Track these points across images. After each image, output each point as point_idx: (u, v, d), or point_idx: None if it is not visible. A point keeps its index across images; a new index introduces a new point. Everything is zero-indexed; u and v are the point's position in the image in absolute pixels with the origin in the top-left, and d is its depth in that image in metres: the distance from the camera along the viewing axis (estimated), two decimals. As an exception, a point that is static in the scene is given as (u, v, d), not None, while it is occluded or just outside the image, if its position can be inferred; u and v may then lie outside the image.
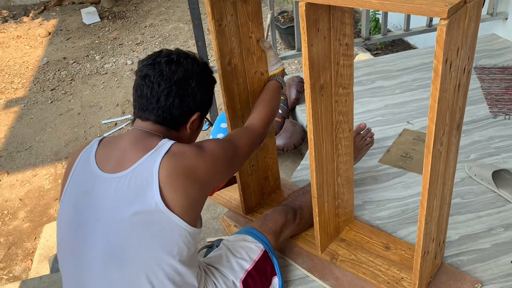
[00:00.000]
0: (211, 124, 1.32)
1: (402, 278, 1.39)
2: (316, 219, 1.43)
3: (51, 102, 4.32)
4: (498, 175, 1.75)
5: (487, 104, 2.26)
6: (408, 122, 2.20)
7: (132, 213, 1.05)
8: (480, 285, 1.37)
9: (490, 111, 2.21)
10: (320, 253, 1.51)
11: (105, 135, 3.69)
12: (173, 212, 1.06)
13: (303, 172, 1.96)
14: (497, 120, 2.15)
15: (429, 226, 1.18)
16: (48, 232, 2.87)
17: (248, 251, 1.36)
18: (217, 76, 1.38)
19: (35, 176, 3.41)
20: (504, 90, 2.36)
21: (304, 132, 2.36)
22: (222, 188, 1.75)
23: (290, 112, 2.52)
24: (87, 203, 1.11)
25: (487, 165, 1.81)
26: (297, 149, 2.35)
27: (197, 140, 1.31)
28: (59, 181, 3.32)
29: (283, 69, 1.55)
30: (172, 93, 1.16)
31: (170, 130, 1.21)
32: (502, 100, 2.28)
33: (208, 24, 1.36)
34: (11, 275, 2.65)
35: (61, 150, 3.65)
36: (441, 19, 0.87)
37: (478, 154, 1.94)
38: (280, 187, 1.83)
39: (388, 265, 1.44)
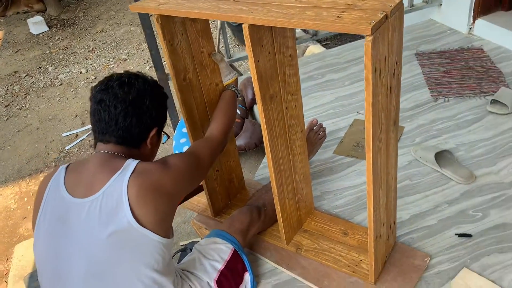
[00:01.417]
0: (168, 137, 1.41)
1: (361, 260, 1.54)
2: (279, 216, 1.55)
3: (7, 119, 4.25)
4: (440, 156, 1.92)
5: (428, 88, 2.44)
6: (358, 112, 2.35)
7: (108, 234, 1.13)
8: (429, 259, 1.53)
9: (431, 95, 2.39)
10: (286, 246, 1.64)
11: (67, 147, 3.68)
12: (145, 227, 1.15)
13: (265, 170, 2.08)
14: (438, 103, 2.33)
15: (377, 213, 1.32)
16: (19, 252, 2.88)
17: (219, 252, 1.46)
18: (173, 91, 1.47)
19: (-1, 196, 3.39)
20: (443, 74, 2.55)
21: (261, 139, 2.47)
22: (189, 198, 1.84)
23: (249, 111, 2.62)
24: (63, 229, 1.18)
25: (430, 147, 1.98)
26: (258, 147, 2.47)
27: (159, 153, 1.39)
28: (25, 199, 3.31)
29: (236, 79, 1.65)
30: (129, 114, 1.24)
31: (132, 148, 1.29)
32: (441, 83, 2.47)
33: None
34: (-14, 299, 2.65)
35: (23, 168, 3.62)
36: (366, 35, 1.00)
37: (422, 137, 2.12)
38: (245, 187, 1.94)
39: (347, 250, 1.58)
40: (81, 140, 3.79)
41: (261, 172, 2.07)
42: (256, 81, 1.25)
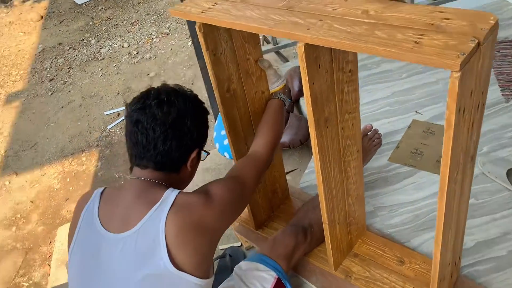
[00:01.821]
0: (208, 154, 1.28)
1: (418, 295, 1.38)
2: (328, 242, 1.41)
3: (51, 94, 4.26)
4: (512, 172, 1.70)
5: (499, 86, 2.17)
6: (416, 112, 2.13)
7: (142, 277, 1.03)
8: (497, 299, 1.36)
9: (502, 94, 2.12)
10: (334, 271, 1.50)
11: (108, 127, 3.63)
12: (183, 271, 1.04)
13: (311, 176, 1.93)
14: (510, 105, 2.07)
15: (444, 257, 1.15)
16: (62, 235, 2.90)
17: (261, 280, 1.35)
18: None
19: (43, 175, 3.42)
20: (517, 68, 2.26)
21: (307, 135, 2.30)
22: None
23: (295, 104, 2.45)
24: (96, 265, 1.09)
25: (501, 161, 1.76)
26: (303, 144, 2.30)
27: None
28: (68, 179, 3.33)
29: (285, 85, 1.48)
30: (168, 137, 1.12)
31: (171, 173, 1.18)
32: (515, 80, 2.19)
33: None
34: (31, 281, 2.70)
35: (66, 146, 3.63)
36: (452, 71, 0.80)
37: (491, 146, 1.88)
38: (289, 197, 1.80)
39: (403, 282, 1.43)
40: (123, 119, 3.74)
41: (307, 178, 1.92)
42: (310, 105, 1.08)
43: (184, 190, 1.15)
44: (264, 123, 1.40)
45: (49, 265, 2.75)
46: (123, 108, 3.85)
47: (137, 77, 4.20)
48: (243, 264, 1.42)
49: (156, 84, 4.24)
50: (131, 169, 1.19)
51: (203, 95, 3.73)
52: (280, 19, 1.06)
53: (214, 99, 2.61)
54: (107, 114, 3.85)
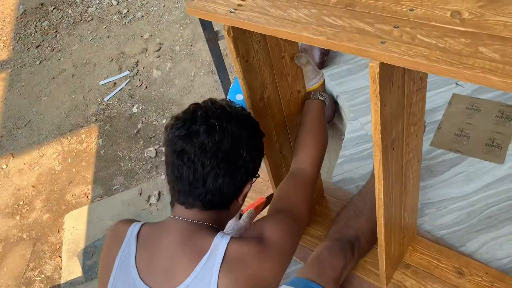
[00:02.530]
0: (258, 176, 1.07)
1: (484, 314, 1.24)
2: (382, 259, 1.24)
3: (40, 62, 3.94)
4: None
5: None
6: (456, 84, 1.89)
7: None
8: None
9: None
10: (385, 287, 1.34)
11: (105, 98, 3.35)
12: None
13: (344, 167, 1.73)
14: None
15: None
16: (70, 223, 2.74)
17: (310, 311, 1.19)
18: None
19: (42, 156, 3.21)
20: None
21: (334, 103, 2.07)
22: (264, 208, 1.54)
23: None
24: None
25: None
26: (328, 124, 2.08)
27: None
28: (69, 160, 3.12)
29: (323, 82, 1.24)
30: (221, 172, 0.92)
31: (220, 211, 0.98)
32: None
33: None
34: (43, 276, 2.58)
35: (63, 123, 3.39)
36: None
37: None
38: (324, 196, 1.61)
39: (465, 298, 1.27)
40: (120, 90, 3.48)
41: (339, 170, 1.72)
42: (379, 131, 0.86)
43: None
44: (306, 133, 1.18)
45: (60, 257, 2.62)
46: (119, 76, 3.57)
47: (130, 39, 3.87)
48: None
49: (151, 46, 3.95)
50: (171, 204, 0.99)
51: (204, 59, 3.45)
52: (339, 24, 0.81)
53: (223, 71, 2.36)
54: (102, 84, 3.57)
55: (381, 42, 0.75)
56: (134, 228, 0.98)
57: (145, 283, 0.92)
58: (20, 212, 2.92)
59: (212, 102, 0.98)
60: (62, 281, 2.49)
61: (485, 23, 0.72)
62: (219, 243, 0.89)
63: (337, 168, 1.74)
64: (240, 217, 1.46)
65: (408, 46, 0.73)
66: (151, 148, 3.02)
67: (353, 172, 1.69)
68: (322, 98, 1.22)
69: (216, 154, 0.90)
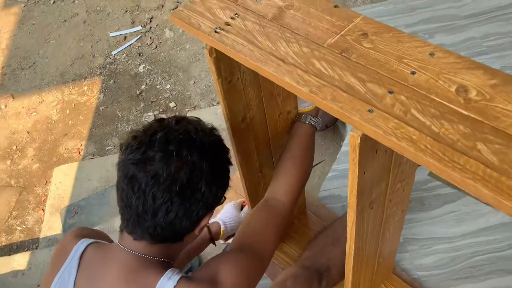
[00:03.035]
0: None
1: None
2: (346, 303, 1.17)
3: (53, 2, 3.81)
4: None
5: None
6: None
7: None
8: None
9: None
10: (347, 323, 1.29)
11: (113, 52, 3.23)
12: None
13: (334, 182, 1.64)
14: None
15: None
16: (58, 177, 2.72)
17: None
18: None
19: (41, 102, 3.15)
20: None
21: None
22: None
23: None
24: None
25: None
26: (329, 128, 1.98)
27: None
28: (67, 111, 3.06)
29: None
30: (174, 207, 0.82)
31: (172, 244, 0.90)
32: None
33: None
34: (24, 226, 2.58)
35: (67, 71, 3.30)
36: None
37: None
38: (306, 212, 1.53)
39: None
40: (129, 45, 3.36)
41: (328, 185, 1.64)
42: (355, 196, 0.77)
43: None
44: (289, 159, 1.08)
45: (43, 210, 2.61)
46: (131, 30, 3.45)
47: (148, -9, 3.71)
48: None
49: (168, 4, 3.77)
50: (120, 229, 0.91)
51: None
52: (328, 75, 0.70)
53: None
54: (112, 36, 3.45)
55: (369, 111, 0.64)
56: (79, 248, 0.91)
57: None
58: (11, 157, 2.89)
59: (177, 121, 0.87)
60: (42, 235, 2.49)
61: (493, 110, 0.61)
62: (165, 285, 0.82)
63: (326, 182, 1.65)
64: (242, 209, 1.40)
65: (398, 123, 0.62)
66: (150, 114, 2.94)
67: (342, 190, 1.61)
68: (313, 123, 1.11)
69: (170, 187, 0.80)
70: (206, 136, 0.87)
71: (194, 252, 1.33)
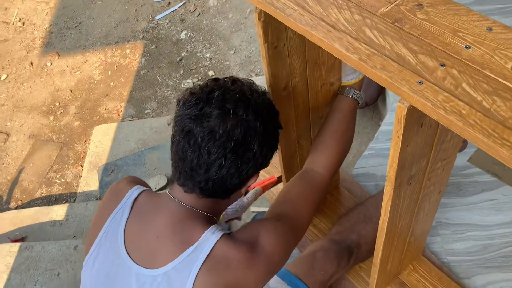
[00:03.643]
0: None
1: None
2: (373, 281, 1.18)
3: (104, -39, 3.85)
4: None
5: None
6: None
7: None
8: None
9: None
10: (372, 299, 1.29)
11: (157, 17, 3.25)
12: None
13: (369, 161, 1.62)
14: None
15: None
16: (97, 136, 2.80)
17: (286, 308, 1.17)
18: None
19: (85, 62, 3.23)
20: None
21: (381, 86, 1.91)
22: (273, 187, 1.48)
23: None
24: None
25: None
26: (369, 106, 1.95)
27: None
28: (109, 72, 3.13)
29: (362, 79, 1.12)
30: (227, 163, 0.85)
31: (220, 200, 0.94)
32: None
33: None
34: (63, 180, 2.69)
35: (111, 33, 3.36)
36: None
37: None
38: (338, 187, 1.53)
39: (451, 335, 1.21)
40: (173, 11, 3.38)
41: (363, 163, 1.62)
42: (394, 170, 0.76)
43: None
44: (329, 133, 1.08)
45: (82, 166, 2.71)
46: (175, -4, 3.45)
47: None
48: (272, 280, 1.22)
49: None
50: (171, 180, 0.95)
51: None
52: (379, 44, 0.69)
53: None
54: (157, 1, 3.47)
55: (418, 82, 0.63)
56: (133, 193, 0.96)
57: (129, 255, 0.90)
58: (54, 113, 3.00)
59: (233, 82, 0.89)
60: (79, 190, 2.60)
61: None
62: (209, 238, 0.85)
63: (362, 160, 1.63)
64: (245, 194, 1.41)
65: (447, 97, 0.61)
66: (189, 80, 2.97)
67: (376, 169, 1.59)
68: (356, 97, 1.10)
69: (224, 144, 0.83)
70: (260, 97, 0.89)
71: None
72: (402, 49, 0.68)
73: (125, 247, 0.91)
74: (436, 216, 1.42)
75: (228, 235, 0.87)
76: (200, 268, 0.83)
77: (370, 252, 1.31)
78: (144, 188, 0.98)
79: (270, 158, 0.94)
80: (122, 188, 0.98)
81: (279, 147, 1.14)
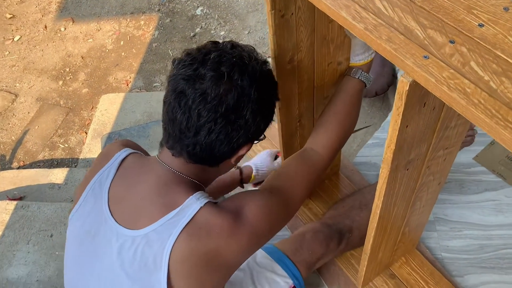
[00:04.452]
0: (264, 138, 0.97)
1: None
2: (362, 268, 1.16)
3: None
4: None
5: None
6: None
7: None
8: None
9: None
10: (360, 287, 1.27)
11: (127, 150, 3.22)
12: None
13: (373, 150, 1.59)
14: None
15: None
16: (104, 105, 2.79)
17: (274, 286, 1.15)
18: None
19: (98, 30, 3.21)
20: None
21: (392, 76, 1.87)
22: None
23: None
24: (91, 247, 0.90)
25: None
26: (378, 96, 1.91)
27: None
28: (121, 42, 3.11)
29: (371, 61, 1.08)
30: (216, 129, 0.82)
31: (207, 167, 0.91)
32: None
33: None
34: (66, 145, 2.69)
35: (127, 3, 3.33)
36: None
37: None
38: (338, 173, 1.50)
39: (436, 331, 1.19)
40: (188, -15, 3.33)
41: (366, 152, 1.59)
42: (391, 151, 0.73)
43: None
44: (333, 114, 1.04)
45: (86, 133, 2.71)
46: (194, -29, 3.40)
47: None
48: (259, 255, 1.21)
49: None
50: (161, 144, 0.92)
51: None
52: (387, 15, 0.66)
53: None
54: (175, -27, 3.42)
55: (424, 57, 0.60)
56: (121, 154, 0.94)
57: (111, 214, 0.89)
58: (64, 78, 2.99)
59: (232, 46, 0.86)
60: (81, 156, 2.59)
61: None
62: (192, 204, 0.83)
63: (365, 148, 1.60)
64: (275, 159, 1.39)
65: (453, 74, 0.58)
66: (200, 57, 2.93)
67: (379, 159, 1.56)
68: (363, 79, 1.06)
69: (216, 108, 0.80)
70: (259, 65, 0.85)
71: (222, 190, 1.34)
72: (411, 22, 0.65)
73: (109, 206, 0.89)
74: (435, 211, 1.39)
75: (214, 203, 0.85)
76: (180, 233, 0.81)
77: (363, 239, 1.29)
78: (134, 151, 0.96)
79: (264, 129, 0.91)
80: (112, 149, 0.96)
81: (279, 124, 1.12)
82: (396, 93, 0.65)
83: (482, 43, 0.61)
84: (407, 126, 0.70)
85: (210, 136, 0.83)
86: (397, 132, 0.69)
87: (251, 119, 0.84)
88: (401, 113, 0.66)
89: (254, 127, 0.86)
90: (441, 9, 0.65)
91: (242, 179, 1.34)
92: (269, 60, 0.93)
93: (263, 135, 0.94)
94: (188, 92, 0.81)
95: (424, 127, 0.75)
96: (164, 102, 0.87)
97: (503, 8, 0.64)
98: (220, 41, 0.88)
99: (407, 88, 0.61)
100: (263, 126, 0.90)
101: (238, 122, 0.83)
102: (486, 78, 0.57)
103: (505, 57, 0.59)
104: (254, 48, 0.89)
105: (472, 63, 0.59)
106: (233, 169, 1.35)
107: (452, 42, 0.61)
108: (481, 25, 0.62)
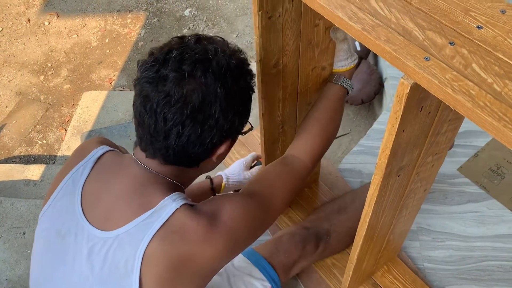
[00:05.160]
0: (252, 128, 0.94)
1: None
2: (347, 278, 1.14)
3: None
4: None
5: None
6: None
7: None
8: None
9: None
10: (342, 296, 1.25)
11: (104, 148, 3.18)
12: None
13: (357, 157, 1.58)
14: None
15: None
16: (85, 102, 2.73)
17: (251, 290, 1.13)
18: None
19: (84, 27, 3.15)
20: None
21: (380, 85, 1.87)
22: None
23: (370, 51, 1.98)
24: (59, 249, 0.85)
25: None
26: (364, 104, 1.90)
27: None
28: (106, 40, 3.05)
29: (354, 67, 1.07)
30: (185, 131, 0.79)
31: (186, 168, 0.87)
32: None
33: None
34: (44, 141, 2.62)
35: (114, 0, 3.28)
36: None
37: None
38: (318, 181, 1.48)
39: None
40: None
41: (352, 159, 1.58)
42: (386, 157, 0.72)
43: None
44: (315, 120, 1.02)
45: (66, 130, 2.64)
46: (184, -28, 3.38)
47: None
48: (237, 258, 1.17)
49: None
50: (135, 144, 0.88)
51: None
52: (384, 16, 0.64)
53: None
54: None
55: (425, 58, 0.58)
56: (98, 152, 0.90)
57: (84, 214, 0.84)
58: (45, 73, 2.92)
59: (197, 40, 0.81)
60: (60, 153, 2.53)
61: None
62: (168, 205, 0.79)
63: (350, 155, 1.59)
64: (250, 168, 1.36)
65: (456, 76, 0.56)
66: (187, 58, 2.90)
67: (363, 166, 1.55)
68: (345, 85, 1.05)
69: (181, 110, 0.76)
70: (226, 57, 0.80)
71: (194, 199, 1.31)
72: (409, 23, 0.63)
73: (81, 205, 0.85)
74: (418, 221, 1.39)
75: (190, 205, 0.81)
76: (154, 235, 0.77)
77: (341, 243, 1.28)
78: (111, 148, 0.92)
79: (241, 125, 0.87)
80: (89, 145, 0.92)
81: (262, 130, 1.09)
82: (394, 97, 0.63)
83: (482, 45, 0.60)
84: (403, 131, 0.68)
85: (181, 139, 0.79)
86: (393, 137, 0.68)
87: (222, 117, 0.80)
88: (399, 118, 0.64)
89: (228, 124, 0.82)
90: (438, 11, 0.64)
91: (213, 189, 1.31)
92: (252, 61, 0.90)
93: (247, 128, 0.91)
94: (151, 95, 0.77)
95: (419, 131, 0.73)
96: (133, 105, 0.83)
97: (500, 11, 0.63)
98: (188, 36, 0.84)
99: (408, 90, 0.60)
100: (238, 122, 0.85)
101: (207, 122, 0.79)
102: (490, 80, 0.56)
103: (507, 59, 0.58)
104: (224, 39, 0.84)
105: (474, 65, 0.57)
106: (203, 178, 1.30)
107: (452, 43, 0.60)
108: (479, 27, 0.61)
